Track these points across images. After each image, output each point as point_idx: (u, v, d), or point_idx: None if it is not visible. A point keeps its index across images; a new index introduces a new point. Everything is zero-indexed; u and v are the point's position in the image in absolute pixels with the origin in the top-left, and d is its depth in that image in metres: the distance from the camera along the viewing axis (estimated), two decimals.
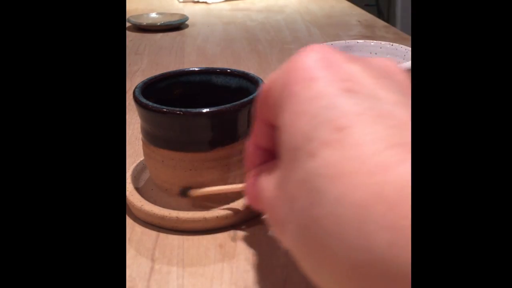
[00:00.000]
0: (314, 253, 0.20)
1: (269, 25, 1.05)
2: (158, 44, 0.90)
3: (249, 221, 0.37)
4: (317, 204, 0.19)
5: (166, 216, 0.35)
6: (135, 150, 0.48)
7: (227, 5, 1.27)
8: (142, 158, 0.42)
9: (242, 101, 0.35)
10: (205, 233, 0.36)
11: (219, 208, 0.36)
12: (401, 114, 0.20)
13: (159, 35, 0.96)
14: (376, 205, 0.17)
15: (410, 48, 0.45)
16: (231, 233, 0.36)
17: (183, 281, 0.32)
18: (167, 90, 0.41)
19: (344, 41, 0.48)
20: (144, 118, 0.37)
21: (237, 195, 0.38)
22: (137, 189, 0.39)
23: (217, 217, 0.35)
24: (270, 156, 0.26)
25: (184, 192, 0.37)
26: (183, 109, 0.34)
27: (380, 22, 1.06)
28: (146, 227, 0.37)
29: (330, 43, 0.47)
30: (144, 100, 0.36)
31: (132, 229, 0.37)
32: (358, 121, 0.19)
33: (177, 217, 0.35)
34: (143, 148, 0.39)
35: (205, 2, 1.31)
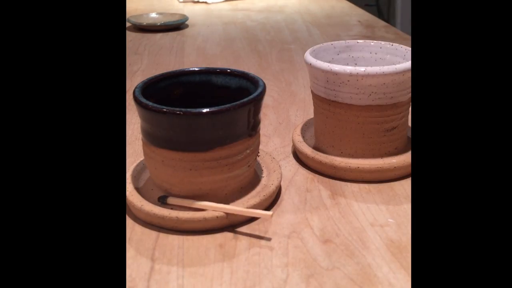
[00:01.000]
0: None
1: (269, 25, 1.05)
2: (158, 44, 0.90)
3: (249, 222, 0.37)
4: None
5: (166, 216, 0.35)
6: (135, 150, 0.48)
7: (227, 5, 1.27)
8: (142, 158, 0.42)
9: (242, 101, 0.35)
10: (205, 233, 0.36)
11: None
12: None
13: (159, 35, 0.96)
14: None
15: (410, 48, 0.45)
16: (231, 233, 0.36)
17: (183, 281, 0.32)
18: (167, 90, 0.41)
19: (344, 41, 0.48)
20: (144, 118, 0.37)
21: (237, 195, 0.38)
22: (137, 189, 0.39)
23: (217, 217, 0.35)
24: None
25: (162, 199, 0.37)
26: (183, 109, 0.34)
27: (380, 22, 1.06)
28: (146, 227, 0.37)
29: (330, 43, 0.47)
30: (144, 100, 0.36)
31: (132, 229, 0.37)
32: None
33: (177, 217, 0.35)
34: (143, 148, 0.39)
35: (205, 2, 1.31)
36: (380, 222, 0.37)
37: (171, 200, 0.37)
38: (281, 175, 0.41)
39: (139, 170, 0.42)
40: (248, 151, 0.38)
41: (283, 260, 0.33)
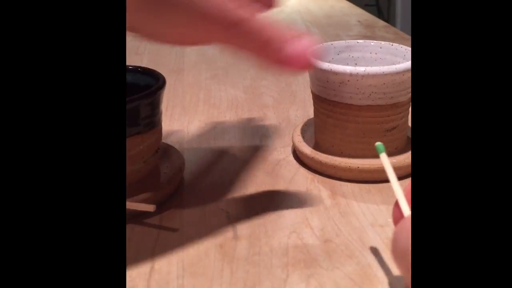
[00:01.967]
0: None
1: None
2: (158, 44, 0.90)
3: (248, 221, 0.37)
4: None
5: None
6: None
7: None
8: None
9: (137, 95, 0.37)
10: (205, 233, 0.36)
11: None
12: None
13: None
14: None
15: (410, 48, 0.44)
16: (231, 233, 0.36)
17: (183, 281, 0.32)
18: None
19: (344, 41, 0.48)
20: None
21: (133, 190, 0.39)
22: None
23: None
24: None
25: None
26: None
27: (380, 22, 1.06)
28: (146, 227, 0.37)
29: (330, 43, 0.47)
30: None
31: (132, 229, 0.37)
32: None
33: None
34: None
35: None
36: (380, 222, 0.37)
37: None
38: (182, 171, 0.42)
39: None
40: (141, 147, 0.38)
41: (283, 260, 0.33)
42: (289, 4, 1.26)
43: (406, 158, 0.42)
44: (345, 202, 0.40)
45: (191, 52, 0.85)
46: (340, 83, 0.40)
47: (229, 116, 0.57)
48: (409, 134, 0.45)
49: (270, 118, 0.56)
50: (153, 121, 0.39)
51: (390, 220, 0.37)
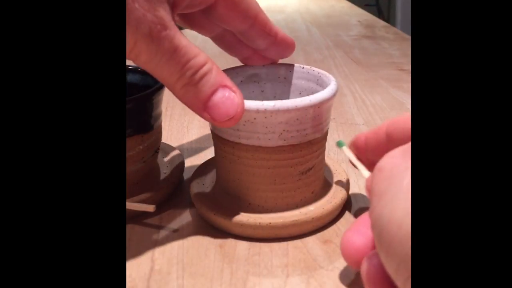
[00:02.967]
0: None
1: None
2: None
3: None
4: None
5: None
6: None
7: None
8: None
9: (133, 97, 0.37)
10: (205, 233, 0.36)
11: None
12: None
13: None
14: None
15: (323, 72, 0.39)
16: (231, 233, 0.36)
17: (183, 281, 0.31)
18: None
19: (249, 66, 0.41)
20: None
21: (132, 190, 0.38)
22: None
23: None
24: None
25: None
26: None
27: (380, 22, 1.06)
28: (146, 227, 0.37)
29: (232, 69, 0.41)
30: None
31: (132, 229, 0.37)
32: None
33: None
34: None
35: None
36: None
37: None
38: (182, 172, 0.42)
39: None
40: (141, 147, 0.38)
41: (283, 260, 0.33)
42: (289, 4, 1.26)
43: (324, 204, 0.36)
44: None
45: None
46: (245, 121, 0.33)
47: None
48: (326, 174, 0.40)
49: None
50: (153, 121, 0.39)
51: None
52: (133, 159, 0.38)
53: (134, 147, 0.38)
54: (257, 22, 0.36)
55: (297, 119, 0.33)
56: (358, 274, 0.32)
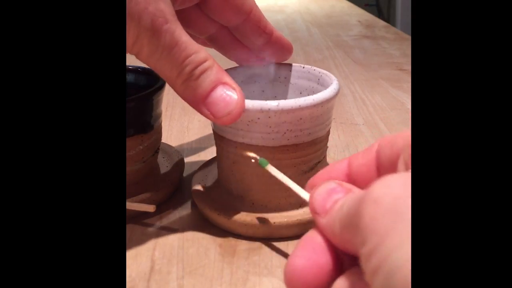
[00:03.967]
0: None
1: None
2: None
3: None
4: None
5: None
6: None
7: None
8: None
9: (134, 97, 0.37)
10: (205, 233, 0.36)
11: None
12: None
13: None
14: None
15: (324, 71, 0.39)
16: (231, 233, 0.36)
17: (183, 281, 0.31)
18: None
19: (248, 66, 0.40)
20: None
21: (132, 190, 0.38)
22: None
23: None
24: None
25: None
26: None
27: (380, 22, 1.06)
28: (146, 227, 0.37)
29: (233, 68, 0.40)
30: None
31: (132, 229, 0.37)
32: None
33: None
34: None
35: None
36: None
37: None
38: (182, 172, 0.42)
39: None
40: (141, 147, 0.38)
41: (283, 260, 0.33)
42: (289, 4, 1.26)
43: None
44: None
45: None
46: (249, 121, 0.33)
47: None
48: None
49: None
50: (153, 121, 0.39)
51: None
52: (133, 159, 0.38)
53: (134, 147, 0.38)
54: (251, 16, 0.36)
55: (301, 119, 0.33)
56: None
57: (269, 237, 0.35)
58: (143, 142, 0.38)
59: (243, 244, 0.35)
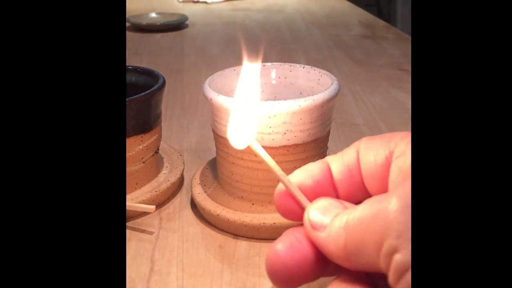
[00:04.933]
0: None
1: (269, 25, 1.05)
2: (158, 44, 0.90)
3: None
4: None
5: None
6: None
7: (227, 5, 1.27)
8: None
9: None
10: (205, 233, 0.36)
11: None
12: None
13: (159, 35, 0.96)
14: None
15: (324, 71, 0.39)
16: (231, 233, 0.36)
17: (183, 282, 0.31)
18: None
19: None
20: None
21: (131, 190, 0.37)
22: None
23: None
24: None
25: None
26: None
27: (381, 22, 1.06)
28: (145, 228, 0.37)
29: (233, 68, 0.40)
30: None
31: (132, 229, 0.37)
32: None
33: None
34: None
35: (205, 2, 1.31)
36: None
37: None
38: (182, 172, 0.41)
39: None
40: (140, 147, 0.38)
41: None
42: (289, 4, 1.26)
43: None
44: None
45: (191, 52, 0.85)
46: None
47: None
48: None
49: None
50: (152, 121, 0.39)
51: None
52: (133, 159, 0.38)
53: (134, 147, 0.38)
54: None
55: (301, 119, 0.33)
56: None
57: (269, 238, 0.35)
58: (143, 142, 0.38)
59: (243, 245, 0.35)
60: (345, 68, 0.75)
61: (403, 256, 0.18)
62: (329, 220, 0.22)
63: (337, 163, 0.25)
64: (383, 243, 0.19)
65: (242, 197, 0.36)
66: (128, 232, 0.36)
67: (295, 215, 0.24)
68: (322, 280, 0.27)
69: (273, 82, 0.41)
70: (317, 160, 0.35)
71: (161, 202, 0.39)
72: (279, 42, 0.90)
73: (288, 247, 0.22)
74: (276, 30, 1.00)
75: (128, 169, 0.38)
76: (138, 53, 0.84)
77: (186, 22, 1.05)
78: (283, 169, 0.31)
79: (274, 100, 0.34)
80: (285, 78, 0.41)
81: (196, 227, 0.37)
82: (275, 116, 0.33)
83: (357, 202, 0.23)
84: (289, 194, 0.24)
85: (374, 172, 0.23)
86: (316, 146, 0.35)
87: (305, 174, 0.25)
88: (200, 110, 0.59)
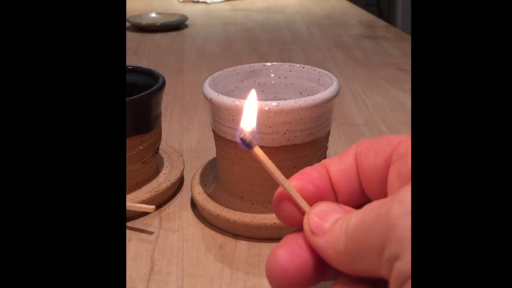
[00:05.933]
0: None
1: (269, 25, 1.05)
2: (158, 44, 0.90)
3: None
4: None
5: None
6: None
7: (227, 5, 1.27)
8: None
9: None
10: (205, 233, 0.36)
11: None
12: None
13: (158, 35, 0.96)
14: None
15: (324, 71, 0.39)
16: (231, 234, 0.36)
17: (183, 282, 0.31)
18: None
19: (248, 65, 0.40)
20: None
21: (131, 191, 0.38)
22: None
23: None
24: None
25: None
26: None
27: (381, 22, 1.06)
28: (145, 228, 0.37)
29: (232, 68, 0.40)
30: None
31: (132, 229, 0.37)
32: None
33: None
34: None
35: (205, 2, 1.31)
36: None
37: None
38: (182, 172, 0.41)
39: None
40: (140, 147, 0.38)
41: None
42: (289, 5, 1.26)
43: None
44: None
45: (191, 52, 0.85)
46: None
47: None
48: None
49: None
50: (152, 121, 0.39)
51: None
52: (133, 159, 0.38)
53: (134, 147, 0.38)
54: None
55: (301, 119, 0.33)
56: None
57: (269, 238, 0.35)
58: (143, 142, 0.38)
59: (243, 245, 0.35)
60: (345, 68, 0.75)
61: (404, 263, 0.18)
62: (329, 225, 0.22)
63: (335, 166, 0.25)
64: (384, 249, 0.19)
65: (242, 197, 0.36)
66: (128, 232, 0.36)
67: (294, 220, 0.24)
68: (321, 283, 0.27)
69: (273, 82, 0.41)
70: (317, 160, 0.35)
71: (161, 202, 0.39)
72: (279, 42, 0.90)
73: (288, 252, 0.22)
74: (276, 30, 1.00)
75: (128, 169, 0.38)
76: (138, 53, 0.84)
77: (186, 22, 1.05)
78: (282, 169, 0.31)
79: (274, 100, 0.34)
80: (285, 78, 0.41)
81: (196, 227, 0.37)
82: (275, 115, 0.33)
83: (356, 205, 0.23)
84: (287, 200, 0.24)
85: (372, 175, 0.23)
86: (316, 146, 0.35)
87: (304, 179, 0.24)
88: (200, 110, 0.59)
